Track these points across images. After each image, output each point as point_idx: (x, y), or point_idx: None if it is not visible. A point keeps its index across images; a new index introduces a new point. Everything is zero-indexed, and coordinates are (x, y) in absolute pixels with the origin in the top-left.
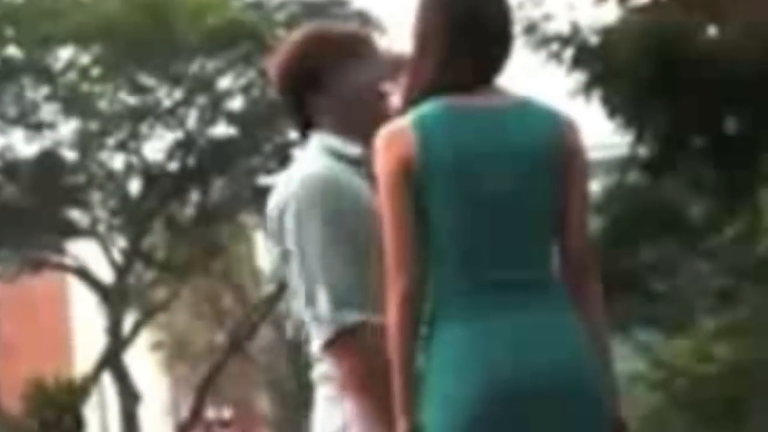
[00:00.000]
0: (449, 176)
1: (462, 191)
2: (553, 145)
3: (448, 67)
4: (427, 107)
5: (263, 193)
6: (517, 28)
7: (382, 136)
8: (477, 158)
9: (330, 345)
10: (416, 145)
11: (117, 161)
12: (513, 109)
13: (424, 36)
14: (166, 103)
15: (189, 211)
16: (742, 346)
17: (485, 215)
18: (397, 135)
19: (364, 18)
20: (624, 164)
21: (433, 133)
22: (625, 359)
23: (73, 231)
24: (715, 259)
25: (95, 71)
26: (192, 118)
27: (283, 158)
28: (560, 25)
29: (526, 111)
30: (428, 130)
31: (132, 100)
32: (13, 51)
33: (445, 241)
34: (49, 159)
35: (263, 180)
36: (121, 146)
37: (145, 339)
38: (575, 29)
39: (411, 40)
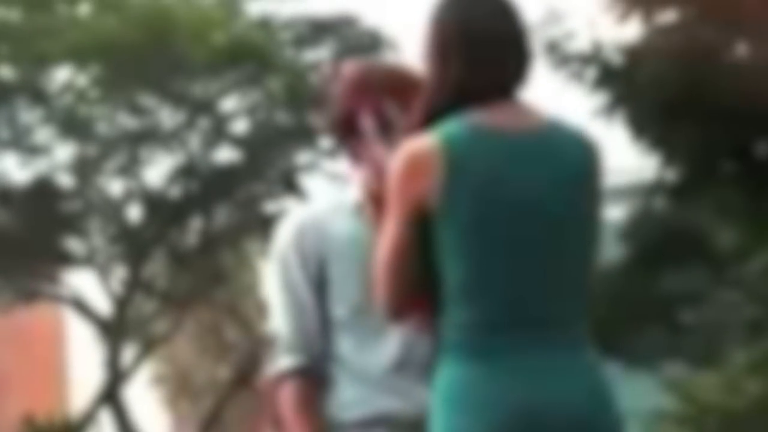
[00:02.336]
0: (481, 205)
1: (496, 221)
2: (585, 172)
3: (468, 79)
4: (453, 128)
5: (268, 220)
6: (538, 47)
7: (406, 157)
8: (515, 187)
9: None
10: (444, 173)
11: (116, 187)
12: (545, 133)
13: (440, 50)
14: (168, 125)
15: (191, 239)
16: None
17: (523, 246)
18: (422, 160)
19: (375, 36)
20: (650, 189)
21: (463, 158)
22: (651, 394)
23: (69, 260)
24: (745, 289)
25: (93, 92)
26: (194, 142)
27: (289, 184)
28: (582, 44)
29: (558, 134)
30: (458, 154)
31: (131, 122)
32: (6, 71)
33: (468, 276)
34: (44, 185)
35: (269, 206)
36: (120, 171)
37: (145, 373)
38: (598, 48)
39: (424, 54)
